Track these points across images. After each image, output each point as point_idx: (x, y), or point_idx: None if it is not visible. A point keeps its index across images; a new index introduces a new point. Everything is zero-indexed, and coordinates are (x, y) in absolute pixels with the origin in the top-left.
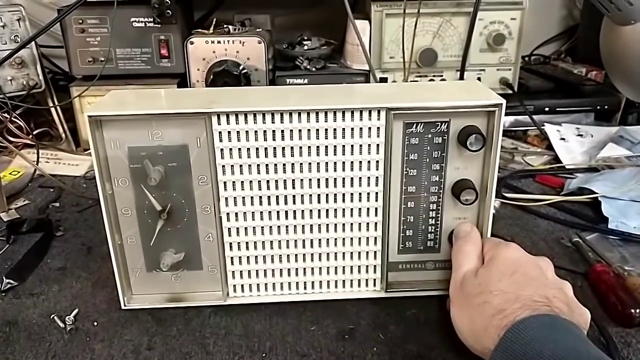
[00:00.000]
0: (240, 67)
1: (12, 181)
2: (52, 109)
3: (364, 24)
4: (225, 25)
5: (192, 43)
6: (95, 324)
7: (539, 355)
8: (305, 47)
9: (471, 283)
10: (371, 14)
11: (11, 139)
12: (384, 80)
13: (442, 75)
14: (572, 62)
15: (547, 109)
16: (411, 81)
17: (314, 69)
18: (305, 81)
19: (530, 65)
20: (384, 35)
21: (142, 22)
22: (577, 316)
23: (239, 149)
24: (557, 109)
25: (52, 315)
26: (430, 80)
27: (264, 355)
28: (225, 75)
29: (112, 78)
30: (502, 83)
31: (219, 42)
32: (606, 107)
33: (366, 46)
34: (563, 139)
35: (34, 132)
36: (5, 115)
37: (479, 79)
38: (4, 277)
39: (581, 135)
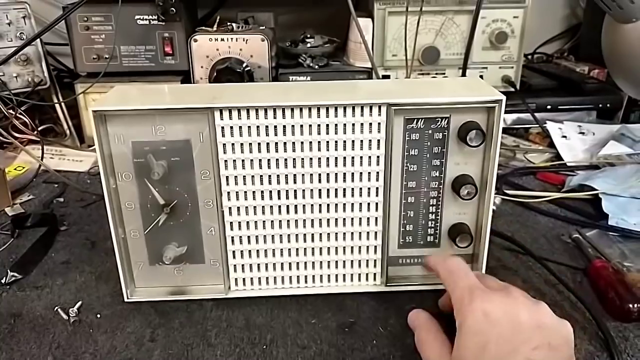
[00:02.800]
0: (244, 65)
1: (17, 176)
2: (57, 106)
3: (366, 21)
4: (228, 23)
5: (195, 40)
6: (99, 316)
7: None
8: (308, 45)
9: None
10: (374, 11)
11: (16, 135)
12: (386, 78)
13: (444, 73)
14: (575, 60)
15: (549, 107)
16: (413, 79)
17: (316, 67)
18: (308, 79)
19: (533, 64)
20: (386, 33)
21: (146, 19)
22: (561, 345)
23: (241, 144)
24: (559, 107)
25: (56, 308)
26: (433, 77)
27: (264, 347)
28: (229, 72)
29: (116, 75)
30: (504, 81)
31: (222, 39)
32: (608, 105)
33: (369, 44)
34: (565, 136)
35: (39, 129)
36: (11, 111)
37: (481, 77)
38: (8, 270)
39: (583, 133)
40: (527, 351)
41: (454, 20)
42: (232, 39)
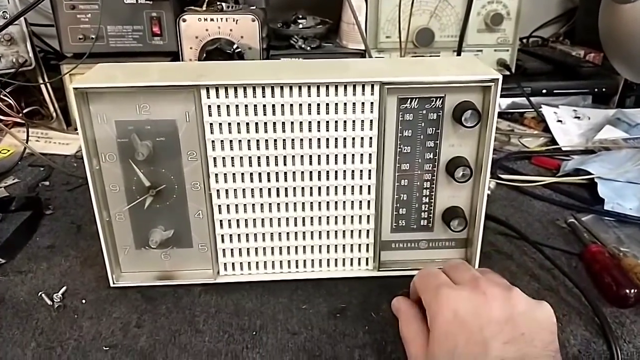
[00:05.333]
0: (234, 46)
1: (2, 160)
2: (43, 88)
3: (360, 2)
4: (218, 3)
5: (184, 20)
6: (84, 301)
7: None
8: (300, 26)
9: None
10: None
11: (1, 117)
12: None
13: (439, 56)
14: (571, 44)
15: (544, 91)
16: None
17: (308, 48)
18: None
19: (529, 47)
20: (380, 14)
21: None
22: (537, 333)
23: (229, 124)
24: (555, 91)
25: (40, 293)
26: None
27: (254, 333)
28: (218, 53)
29: (103, 56)
30: (499, 64)
31: (212, 19)
32: (604, 89)
33: (362, 25)
34: (560, 121)
35: (24, 111)
36: None
37: None
38: None
39: (578, 118)
40: (498, 347)
41: (448, 1)
42: (221, 19)
